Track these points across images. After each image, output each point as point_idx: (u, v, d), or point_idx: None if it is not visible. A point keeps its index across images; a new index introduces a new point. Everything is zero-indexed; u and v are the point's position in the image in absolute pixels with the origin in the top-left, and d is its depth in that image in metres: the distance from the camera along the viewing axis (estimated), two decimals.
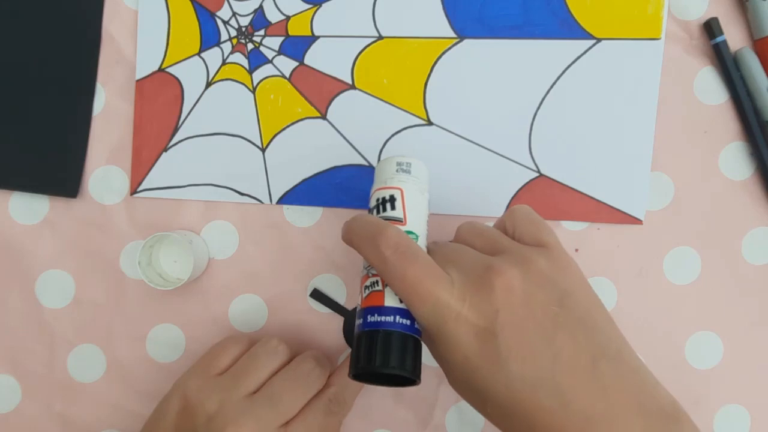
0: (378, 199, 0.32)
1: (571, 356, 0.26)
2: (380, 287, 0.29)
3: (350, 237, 0.30)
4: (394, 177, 0.32)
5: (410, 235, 0.30)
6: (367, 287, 0.30)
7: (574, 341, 0.26)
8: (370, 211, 0.32)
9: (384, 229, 0.28)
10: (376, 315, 0.29)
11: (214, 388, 0.33)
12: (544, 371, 0.26)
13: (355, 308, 0.41)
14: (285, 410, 0.33)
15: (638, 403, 0.25)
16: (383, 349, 0.28)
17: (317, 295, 0.41)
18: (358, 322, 0.30)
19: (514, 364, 0.26)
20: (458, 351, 0.27)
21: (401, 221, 0.31)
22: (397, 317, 0.28)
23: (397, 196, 0.31)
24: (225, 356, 0.35)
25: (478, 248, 0.30)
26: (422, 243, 0.31)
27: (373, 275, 0.30)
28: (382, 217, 0.31)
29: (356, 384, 0.36)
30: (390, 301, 0.29)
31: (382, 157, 0.35)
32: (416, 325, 0.29)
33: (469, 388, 0.28)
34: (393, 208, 0.31)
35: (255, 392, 0.33)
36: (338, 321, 0.42)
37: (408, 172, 0.32)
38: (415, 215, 0.31)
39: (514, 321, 0.26)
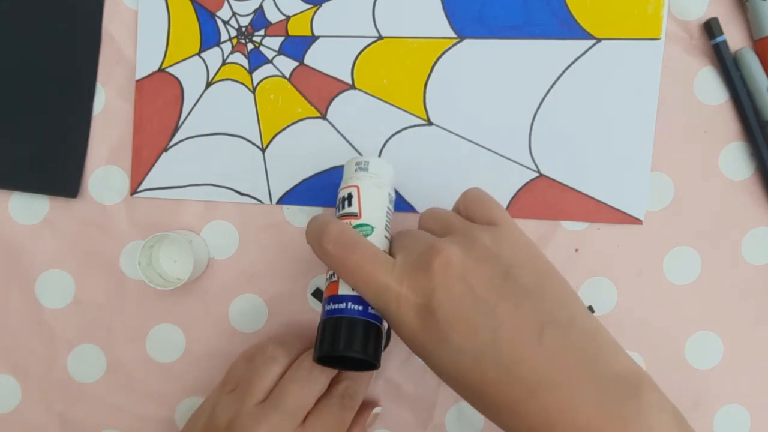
0: (339, 198, 0.34)
1: (514, 326, 0.26)
2: (335, 278, 0.32)
3: (307, 239, 0.32)
4: (353, 176, 0.35)
5: (365, 227, 0.33)
6: (327, 279, 0.33)
7: (519, 311, 0.27)
8: (336, 209, 0.35)
9: (326, 226, 0.31)
10: (331, 303, 0.32)
11: (227, 402, 0.34)
12: (485, 344, 0.26)
13: None
14: (294, 411, 0.33)
15: (590, 370, 0.25)
16: (334, 333, 0.31)
17: (319, 294, 0.41)
18: (321, 311, 0.32)
19: (456, 337, 0.27)
20: (403, 329, 0.29)
21: (356, 215, 0.33)
22: (349, 303, 0.31)
23: (354, 193, 0.34)
24: (236, 373, 0.36)
25: (435, 232, 0.31)
26: (379, 233, 0.33)
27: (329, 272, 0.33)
28: (341, 214, 0.34)
29: (366, 376, 0.37)
30: (343, 289, 0.32)
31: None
32: (371, 310, 0.31)
33: (426, 364, 0.29)
34: (350, 204, 0.34)
35: (264, 400, 0.34)
36: None
37: (366, 170, 0.35)
38: (370, 209, 0.33)
39: (452, 297, 0.27)
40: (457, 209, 0.33)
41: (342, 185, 0.35)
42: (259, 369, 0.35)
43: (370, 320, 0.31)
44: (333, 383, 0.36)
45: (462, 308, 0.27)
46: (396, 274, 0.29)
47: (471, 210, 0.32)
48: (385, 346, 0.41)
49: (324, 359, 0.31)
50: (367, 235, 0.32)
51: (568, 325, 0.27)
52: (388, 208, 0.34)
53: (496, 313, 0.27)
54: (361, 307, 0.31)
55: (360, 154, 0.41)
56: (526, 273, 0.28)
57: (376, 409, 0.40)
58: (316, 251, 0.31)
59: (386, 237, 0.33)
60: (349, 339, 0.30)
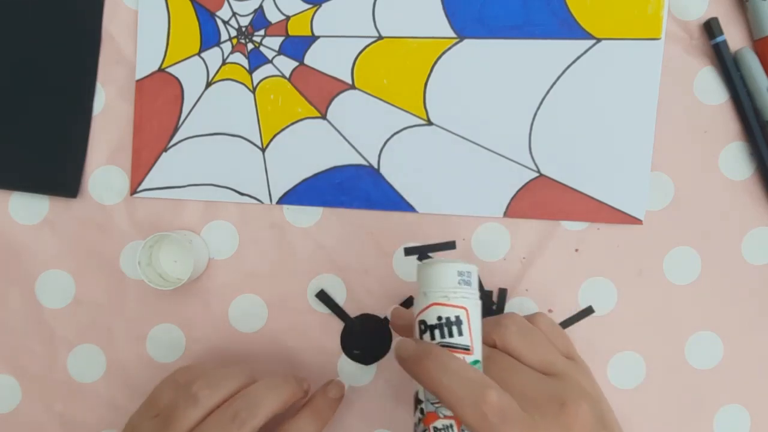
0: (441, 319, 0.29)
1: None
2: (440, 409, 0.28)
3: (433, 384, 0.28)
4: (457, 291, 0.29)
5: (476, 365, 0.29)
6: (438, 430, 0.28)
7: None
8: (428, 329, 0.29)
9: (486, 391, 0.27)
10: None
11: (147, 429, 0.34)
12: None
13: (358, 317, 0.41)
14: None
15: None
16: None
17: (323, 296, 0.41)
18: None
19: None
20: None
21: (468, 350, 0.29)
22: None
23: (463, 317, 0.29)
24: (161, 398, 0.35)
25: (530, 361, 0.31)
26: (482, 368, 0.29)
27: (446, 416, 0.28)
28: (446, 343, 0.29)
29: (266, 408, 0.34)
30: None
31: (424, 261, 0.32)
32: None
33: None
34: (460, 333, 0.29)
35: None
36: (338, 321, 0.42)
37: (469, 284, 0.29)
38: (477, 339, 0.29)
39: None
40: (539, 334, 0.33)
41: (435, 297, 0.29)
42: (179, 407, 0.33)
43: None
44: None
45: None
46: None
47: (552, 339, 0.33)
48: (381, 356, 0.41)
49: None
50: None
51: None
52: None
53: None
54: None
55: (360, 154, 0.41)
56: (606, 411, 0.32)
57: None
58: (464, 414, 0.27)
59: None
60: None
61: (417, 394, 0.30)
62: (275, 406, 0.34)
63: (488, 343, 0.32)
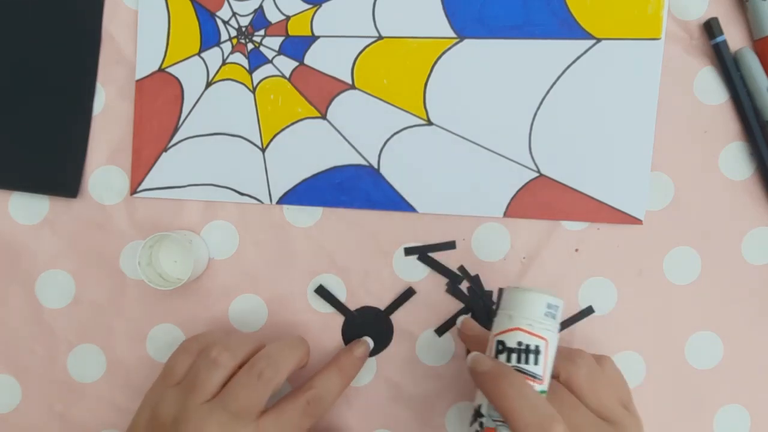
0: (521, 344, 0.30)
1: None
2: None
3: (505, 405, 0.29)
4: (543, 323, 0.30)
5: (542, 395, 0.30)
6: (487, 417, 0.30)
7: None
8: (506, 350, 0.31)
9: (554, 424, 0.28)
10: None
11: (172, 398, 0.34)
12: None
13: (358, 309, 0.41)
14: (244, 413, 0.33)
15: None
16: None
17: (322, 291, 0.41)
18: None
19: None
20: None
21: (540, 380, 0.30)
22: None
23: (542, 348, 0.30)
24: (177, 367, 0.35)
25: (589, 403, 0.32)
26: (546, 395, 0.31)
27: None
28: (520, 368, 0.30)
29: (337, 388, 0.36)
30: None
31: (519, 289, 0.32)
32: None
33: None
34: (536, 362, 0.30)
35: (213, 398, 0.33)
36: (338, 321, 0.42)
37: (554, 317, 0.31)
38: (548, 370, 0.31)
39: None
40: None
41: (519, 321, 0.31)
42: (201, 372, 0.34)
43: None
44: (302, 387, 0.35)
45: None
46: None
47: (614, 386, 0.34)
48: (382, 349, 0.41)
49: None
50: None
51: None
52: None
53: None
54: None
55: (360, 154, 0.41)
56: None
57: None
58: None
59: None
60: None
61: (479, 407, 0.31)
62: (294, 363, 0.36)
63: (553, 375, 0.33)
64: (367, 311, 0.41)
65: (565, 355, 0.33)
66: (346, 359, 0.38)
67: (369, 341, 0.40)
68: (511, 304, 0.31)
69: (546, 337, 0.30)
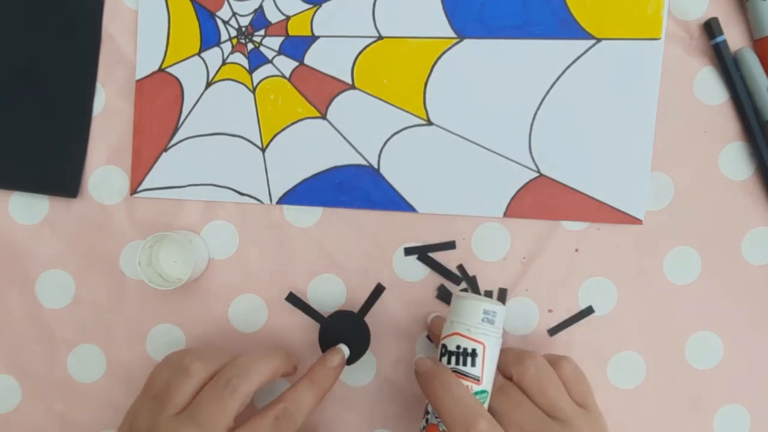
0: (459, 348, 0.33)
1: None
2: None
3: (436, 403, 0.32)
4: (479, 328, 0.33)
5: (483, 395, 0.33)
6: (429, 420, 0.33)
7: None
8: (447, 354, 0.33)
9: (478, 419, 0.31)
10: None
11: (148, 409, 0.34)
12: None
13: (331, 315, 0.40)
14: (211, 426, 0.32)
15: None
16: None
17: (293, 299, 0.41)
18: None
19: None
20: None
21: (477, 380, 0.32)
22: None
23: (479, 351, 0.33)
24: (156, 379, 0.35)
25: (539, 402, 0.33)
26: (489, 396, 0.33)
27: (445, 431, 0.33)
28: (459, 370, 0.33)
29: (309, 401, 0.35)
30: None
31: (459, 297, 0.34)
32: None
33: None
34: (473, 364, 0.33)
35: (180, 413, 0.33)
36: None
37: (492, 322, 0.33)
38: (490, 371, 0.33)
39: None
40: (558, 377, 0.35)
41: (458, 326, 0.33)
42: (173, 381, 0.34)
43: None
44: (272, 402, 0.34)
45: None
46: None
47: (570, 385, 0.34)
48: (358, 357, 0.40)
49: None
50: (483, 402, 0.32)
51: None
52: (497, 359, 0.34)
53: None
54: None
55: (360, 154, 0.41)
56: None
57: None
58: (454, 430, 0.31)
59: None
60: None
61: (427, 405, 0.34)
62: (265, 374, 0.35)
63: (506, 376, 0.35)
64: (341, 315, 0.40)
65: (516, 356, 0.35)
66: (319, 370, 0.37)
67: (344, 349, 0.39)
68: (453, 310, 0.34)
69: (483, 341, 0.33)
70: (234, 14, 0.41)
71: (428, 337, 0.41)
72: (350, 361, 0.39)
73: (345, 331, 0.40)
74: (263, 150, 0.42)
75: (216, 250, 0.42)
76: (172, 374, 0.34)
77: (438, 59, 0.40)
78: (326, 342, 0.39)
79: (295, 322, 0.42)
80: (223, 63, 0.42)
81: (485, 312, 0.33)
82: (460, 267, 0.41)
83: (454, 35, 0.40)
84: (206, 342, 0.42)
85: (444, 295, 0.41)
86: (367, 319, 0.40)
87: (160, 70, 0.42)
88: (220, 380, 0.34)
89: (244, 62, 0.42)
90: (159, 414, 0.33)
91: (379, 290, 0.41)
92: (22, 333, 0.43)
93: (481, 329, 0.33)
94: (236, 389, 0.33)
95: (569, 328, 0.40)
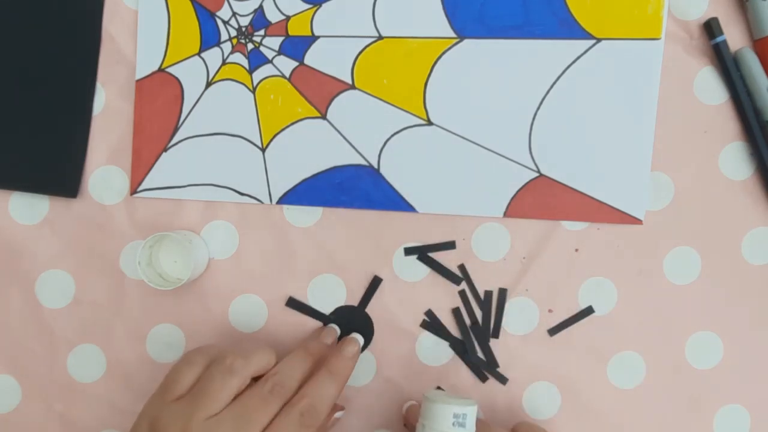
0: None
1: None
2: None
3: None
4: (447, 430, 0.33)
5: None
6: None
7: None
8: None
9: None
10: None
11: (174, 414, 0.32)
12: None
13: (333, 312, 0.41)
14: (252, 428, 0.32)
15: None
16: None
17: (293, 303, 0.41)
18: None
19: None
20: None
21: None
22: None
23: None
24: (182, 380, 0.34)
25: None
26: None
27: None
28: None
29: (330, 395, 0.35)
30: None
31: (430, 398, 0.35)
32: None
33: None
34: None
35: (219, 413, 0.32)
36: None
37: (463, 425, 0.33)
38: None
39: None
40: None
41: (429, 429, 0.34)
42: (216, 379, 0.33)
43: None
44: (295, 398, 0.34)
45: None
46: None
47: None
48: (364, 348, 0.41)
49: None
50: None
51: None
52: None
53: None
54: None
55: (360, 154, 0.41)
56: None
57: (338, 414, 0.39)
58: None
59: None
60: None
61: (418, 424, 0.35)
62: (302, 375, 0.36)
63: None
64: (342, 311, 0.41)
65: None
66: (337, 362, 0.36)
67: (359, 338, 0.40)
68: (424, 413, 0.34)
69: None
70: (234, 14, 0.42)
71: (405, 425, 0.40)
72: None
73: (349, 324, 0.41)
74: (263, 150, 0.42)
75: (216, 250, 0.42)
76: (212, 371, 0.33)
77: (438, 59, 0.40)
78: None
79: (296, 322, 0.42)
80: (223, 63, 0.42)
81: (455, 416, 0.33)
82: (461, 267, 0.41)
83: (454, 35, 0.40)
84: (206, 342, 0.42)
85: (430, 325, 0.41)
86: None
87: (160, 70, 0.42)
88: (266, 383, 0.34)
89: (244, 62, 0.42)
90: (193, 415, 0.31)
91: (376, 282, 0.41)
92: (22, 333, 0.43)
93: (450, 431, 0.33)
94: (279, 397, 0.33)
95: (569, 328, 0.40)
